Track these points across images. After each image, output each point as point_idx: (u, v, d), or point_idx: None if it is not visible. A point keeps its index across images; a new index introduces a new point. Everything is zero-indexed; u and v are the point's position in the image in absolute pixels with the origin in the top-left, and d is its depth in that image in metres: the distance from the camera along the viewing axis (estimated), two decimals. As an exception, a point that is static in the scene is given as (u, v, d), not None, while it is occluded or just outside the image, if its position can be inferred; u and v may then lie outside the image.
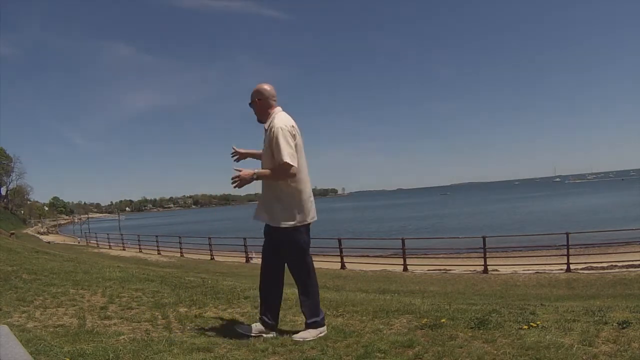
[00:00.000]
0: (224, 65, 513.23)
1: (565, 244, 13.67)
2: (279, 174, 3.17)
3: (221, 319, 3.98)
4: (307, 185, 3.32)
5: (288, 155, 3.12)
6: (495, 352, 2.72)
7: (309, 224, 3.35)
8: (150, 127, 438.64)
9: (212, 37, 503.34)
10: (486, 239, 14.39)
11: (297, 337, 3.20)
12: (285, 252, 3.34)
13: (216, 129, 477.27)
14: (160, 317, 4.11)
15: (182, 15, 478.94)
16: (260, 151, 3.52)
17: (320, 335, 3.23)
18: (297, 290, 3.45)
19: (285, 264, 3.41)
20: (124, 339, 3.32)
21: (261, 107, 3.36)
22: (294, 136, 3.22)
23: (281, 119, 3.26)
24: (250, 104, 3.42)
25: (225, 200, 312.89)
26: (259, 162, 3.52)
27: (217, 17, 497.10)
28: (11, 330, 2.70)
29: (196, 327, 3.71)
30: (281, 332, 3.42)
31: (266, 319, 3.39)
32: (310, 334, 3.21)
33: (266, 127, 3.31)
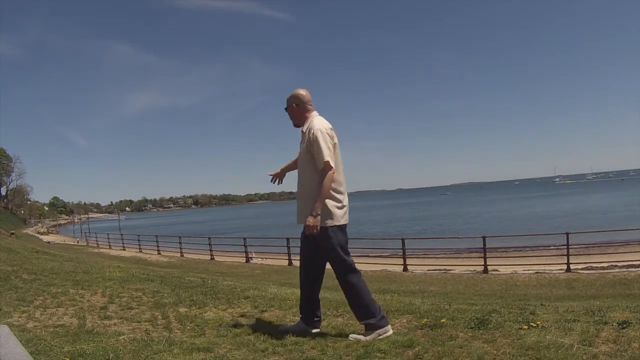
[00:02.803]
0: (224, 65, 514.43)
1: (565, 244, 13.66)
2: (323, 176, 3.15)
3: (221, 319, 3.98)
4: (342, 187, 3.32)
5: (329, 155, 3.15)
6: (495, 352, 2.71)
7: (344, 225, 3.31)
8: (150, 127, 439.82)
9: (213, 38, 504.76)
10: (486, 239, 14.38)
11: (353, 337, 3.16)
12: (327, 251, 3.32)
13: (216, 129, 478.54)
14: (160, 317, 4.11)
15: (183, 16, 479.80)
16: (292, 160, 3.63)
17: (381, 338, 3.12)
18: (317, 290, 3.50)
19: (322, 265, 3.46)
20: (124, 339, 3.32)
21: (298, 111, 3.39)
22: (332, 138, 3.26)
23: (319, 122, 3.30)
24: (285, 108, 3.44)
25: (225, 200, 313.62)
26: (296, 172, 3.57)
27: (219, 17, 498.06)
28: (11, 330, 2.69)
29: (196, 327, 3.71)
30: (282, 334, 3.42)
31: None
32: (368, 339, 3.11)
33: (304, 130, 3.34)
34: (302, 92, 3.41)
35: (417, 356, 2.75)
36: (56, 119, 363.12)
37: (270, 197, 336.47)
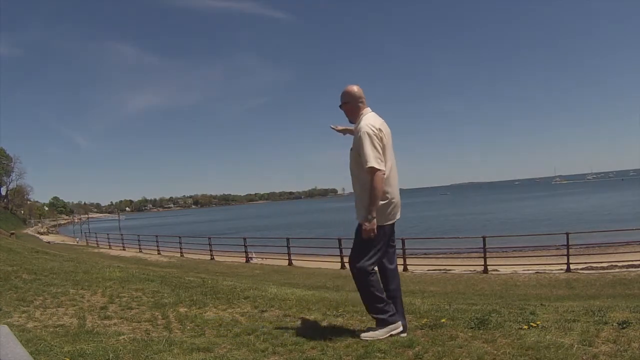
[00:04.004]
0: (225, 65, 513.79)
1: (565, 244, 13.66)
2: (371, 179, 3.12)
3: (221, 319, 3.99)
4: (391, 186, 3.27)
5: (374, 159, 3.11)
6: (495, 352, 2.72)
7: (391, 224, 3.29)
8: (150, 127, 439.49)
9: (213, 38, 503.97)
10: (486, 239, 14.38)
11: (365, 336, 3.16)
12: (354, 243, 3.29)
13: (217, 129, 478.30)
14: (160, 317, 4.11)
15: (184, 16, 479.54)
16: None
17: (392, 333, 3.16)
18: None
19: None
20: (124, 339, 3.32)
21: (348, 110, 3.37)
22: (380, 139, 3.19)
23: (368, 121, 3.24)
24: (340, 105, 3.41)
25: (225, 200, 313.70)
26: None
27: (219, 17, 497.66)
28: (11, 330, 2.70)
29: (196, 327, 3.71)
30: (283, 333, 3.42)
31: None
32: (378, 333, 3.15)
33: (355, 129, 3.31)
34: (354, 88, 3.38)
35: (417, 356, 2.75)
36: (56, 119, 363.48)
37: (270, 197, 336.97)
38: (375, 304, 3.25)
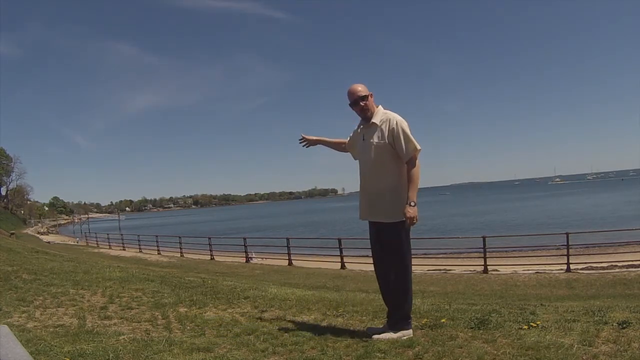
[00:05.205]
0: (225, 65, 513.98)
1: (565, 244, 13.66)
2: (414, 165, 3.15)
3: (221, 319, 3.98)
4: None
5: (417, 142, 3.17)
6: (495, 352, 2.72)
7: None
8: (150, 127, 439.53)
9: (213, 38, 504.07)
10: (486, 239, 14.37)
11: (379, 337, 3.13)
12: (393, 248, 3.23)
13: (216, 129, 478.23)
14: (160, 317, 4.11)
15: (184, 16, 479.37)
16: (332, 140, 3.68)
17: (403, 338, 3.10)
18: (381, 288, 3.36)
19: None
20: (124, 339, 3.32)
21: (369, 104, 3.33)
22: None
23: (395, 114, 3.29)
24: (361, 100, 3.32)
25: (225, 200, 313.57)
26: (328, 149, 3.67)
27: (219, 17, 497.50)
28: (11, 330, 2.70)
29: (196, 327, 3.71)
30: (281, 332, 3.42)
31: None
32: (395, 336, 3.12)
33: (377, 122, 3.28)
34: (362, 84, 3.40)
35: (417, 356, 2.75)
36: (56, 119, 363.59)
37: (270, 197, 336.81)
38: (410, 305, 3.26)
